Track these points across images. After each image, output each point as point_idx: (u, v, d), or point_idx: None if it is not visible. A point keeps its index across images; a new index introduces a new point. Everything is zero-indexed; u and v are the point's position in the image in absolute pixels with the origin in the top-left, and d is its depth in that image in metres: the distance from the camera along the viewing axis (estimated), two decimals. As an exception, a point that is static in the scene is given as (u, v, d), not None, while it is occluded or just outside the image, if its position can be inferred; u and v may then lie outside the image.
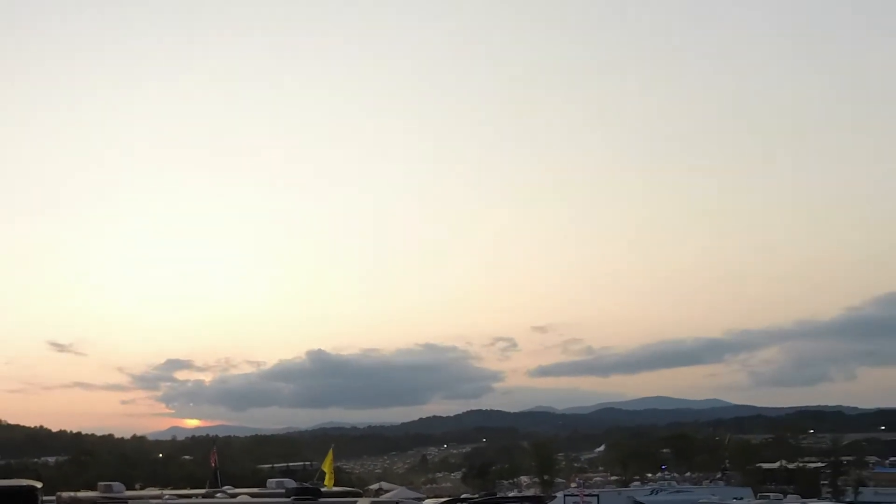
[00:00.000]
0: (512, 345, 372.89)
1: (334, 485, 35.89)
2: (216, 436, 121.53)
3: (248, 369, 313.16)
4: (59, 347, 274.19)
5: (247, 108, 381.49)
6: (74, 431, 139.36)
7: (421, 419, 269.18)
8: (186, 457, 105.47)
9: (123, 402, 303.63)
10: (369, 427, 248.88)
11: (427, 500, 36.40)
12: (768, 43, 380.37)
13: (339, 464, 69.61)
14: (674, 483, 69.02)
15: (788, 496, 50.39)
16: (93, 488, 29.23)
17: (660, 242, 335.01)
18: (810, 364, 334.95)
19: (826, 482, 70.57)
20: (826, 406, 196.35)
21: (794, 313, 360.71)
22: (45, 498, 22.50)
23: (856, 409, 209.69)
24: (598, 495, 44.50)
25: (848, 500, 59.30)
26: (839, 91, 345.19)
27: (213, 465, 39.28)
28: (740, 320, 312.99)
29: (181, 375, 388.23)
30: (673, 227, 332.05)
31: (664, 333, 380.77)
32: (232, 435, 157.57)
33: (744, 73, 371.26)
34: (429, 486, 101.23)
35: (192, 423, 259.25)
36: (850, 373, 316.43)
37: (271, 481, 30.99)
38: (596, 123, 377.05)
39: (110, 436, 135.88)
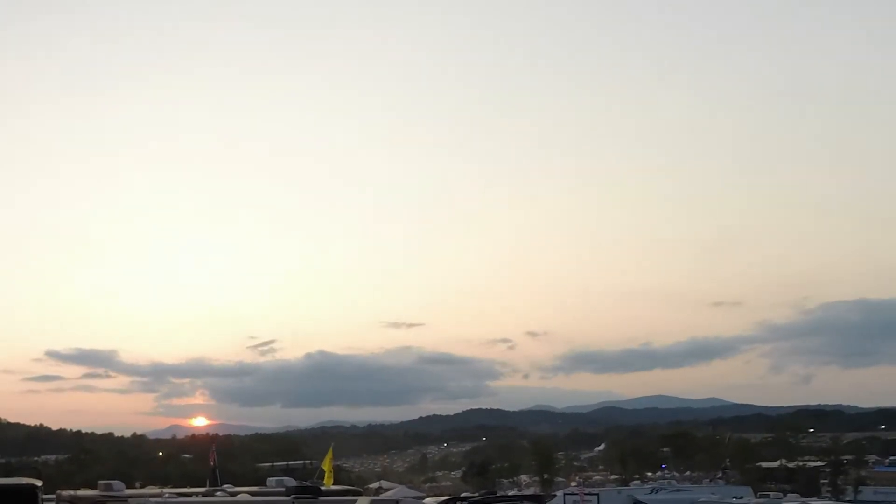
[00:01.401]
0: (511, 345, 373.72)
1: (334, 483, 35.87)
2: (216, 434, 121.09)
3: (248, 368, 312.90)
4: (61, 349, 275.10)
5: (245, 105, 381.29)
6: (74, 430, 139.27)
7: (421, 418, 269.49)
8: (186, 455, 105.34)
9: (124, 401, 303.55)
10: (369, 426, 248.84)
11: (427, 499, 36.42)
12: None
13: (338, 462, 69.66)
14: (674, 482, 69.12)
15: (788, 495, 50.38)
16: (93, 487, 29.11)
17: (653, 247, 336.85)
18: (806, 364, 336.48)
19: (826, 481, 70.61)
20: (826, 405, 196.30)
21: (761, 317, 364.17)
22: (45, 496, 22.44)
23: (855, 407, 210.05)
24: (597, 494, 44.36)
25: (848, 499, 59.26)
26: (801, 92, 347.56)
27: (212, 463, 39.17)
28: (723, 322, 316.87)
29: (181, 374, 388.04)
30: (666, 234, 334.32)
31: (660, 335, 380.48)
32: (232, 433, 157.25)
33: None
34: (429, 484, 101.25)
35: (191, 421, 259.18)
36: (840, 373, 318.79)
37: (271, 480, 30.92)
38: (595, 130, 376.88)
39: (110, 434, 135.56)
